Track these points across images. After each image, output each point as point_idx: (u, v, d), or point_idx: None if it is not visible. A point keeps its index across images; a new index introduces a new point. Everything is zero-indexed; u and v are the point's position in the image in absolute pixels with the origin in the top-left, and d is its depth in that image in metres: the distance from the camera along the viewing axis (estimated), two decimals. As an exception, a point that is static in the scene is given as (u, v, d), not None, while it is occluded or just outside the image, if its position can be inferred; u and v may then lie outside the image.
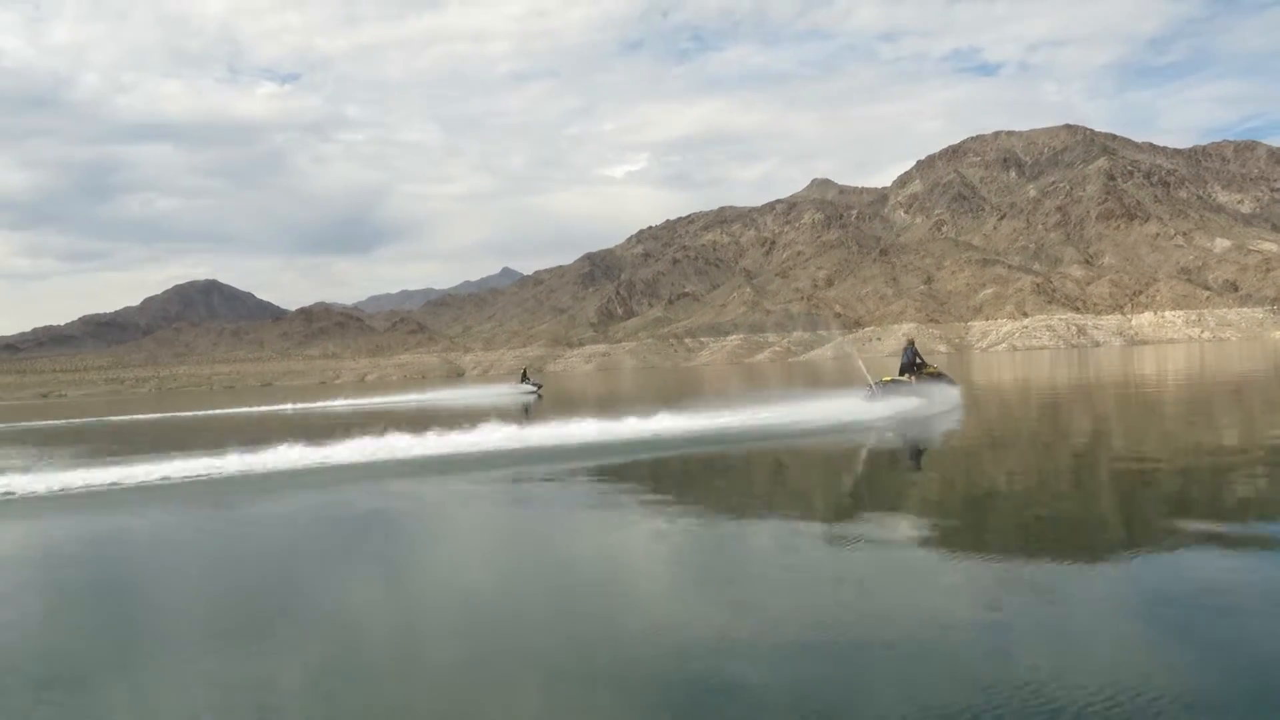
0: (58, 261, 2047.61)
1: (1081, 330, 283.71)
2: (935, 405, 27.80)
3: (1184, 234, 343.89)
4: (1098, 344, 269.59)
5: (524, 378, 77.09)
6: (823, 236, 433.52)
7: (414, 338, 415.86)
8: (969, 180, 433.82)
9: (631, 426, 24.74)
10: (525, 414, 43.57)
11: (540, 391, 73.25)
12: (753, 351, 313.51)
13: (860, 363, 33.22)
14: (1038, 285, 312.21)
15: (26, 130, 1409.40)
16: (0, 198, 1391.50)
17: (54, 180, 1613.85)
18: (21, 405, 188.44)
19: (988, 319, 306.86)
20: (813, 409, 27.18)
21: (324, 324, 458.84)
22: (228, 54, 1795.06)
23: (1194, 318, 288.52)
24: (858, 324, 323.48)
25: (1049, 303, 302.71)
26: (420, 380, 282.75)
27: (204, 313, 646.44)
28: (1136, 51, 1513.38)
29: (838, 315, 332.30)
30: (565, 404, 55.73)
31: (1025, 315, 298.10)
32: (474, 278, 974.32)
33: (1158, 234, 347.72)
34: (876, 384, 28.36)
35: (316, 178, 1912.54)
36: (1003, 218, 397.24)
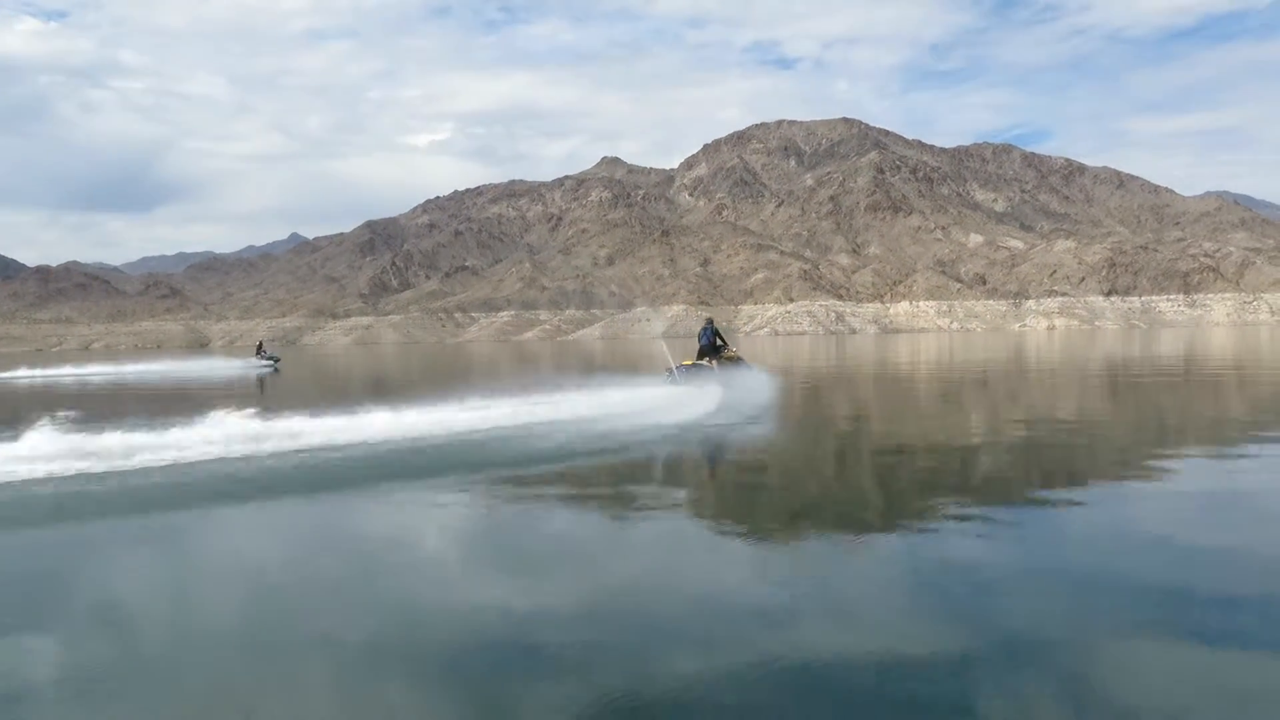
0: None
1: (840, 317, 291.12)
2: (748, 395, 24.37)
3: (943, 228, 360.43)
4: (854, 331, 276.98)
5: (259, 350, 70.83)
6: (609, 215, 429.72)
7: (164, 303, 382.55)
8: (751, 166, 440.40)
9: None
10: (260, 389, 41.86)
11: (278, 365, 68.71)
12: (522, 329, 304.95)
13: (664, 344, 30.77)
14: (805, 272, 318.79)
15: None
16: None
17: None
18: None
19: (757, 303, 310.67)
20: (603, 401, 22.08)
21: (63, 285, 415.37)
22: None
23: (945, 308, 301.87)
24: (631, 304, 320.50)
25: (815, 289, 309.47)
26: (154, 350, 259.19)
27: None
28: (920, 56, 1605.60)
29: (613, 294, 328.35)
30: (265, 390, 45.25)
31: (792, 300, 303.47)
32: (259, 243, 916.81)
33: (919, 227, 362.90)
34: (678, 368, 25.54)
35: (87, 127, 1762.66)
36: (780, 204, 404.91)
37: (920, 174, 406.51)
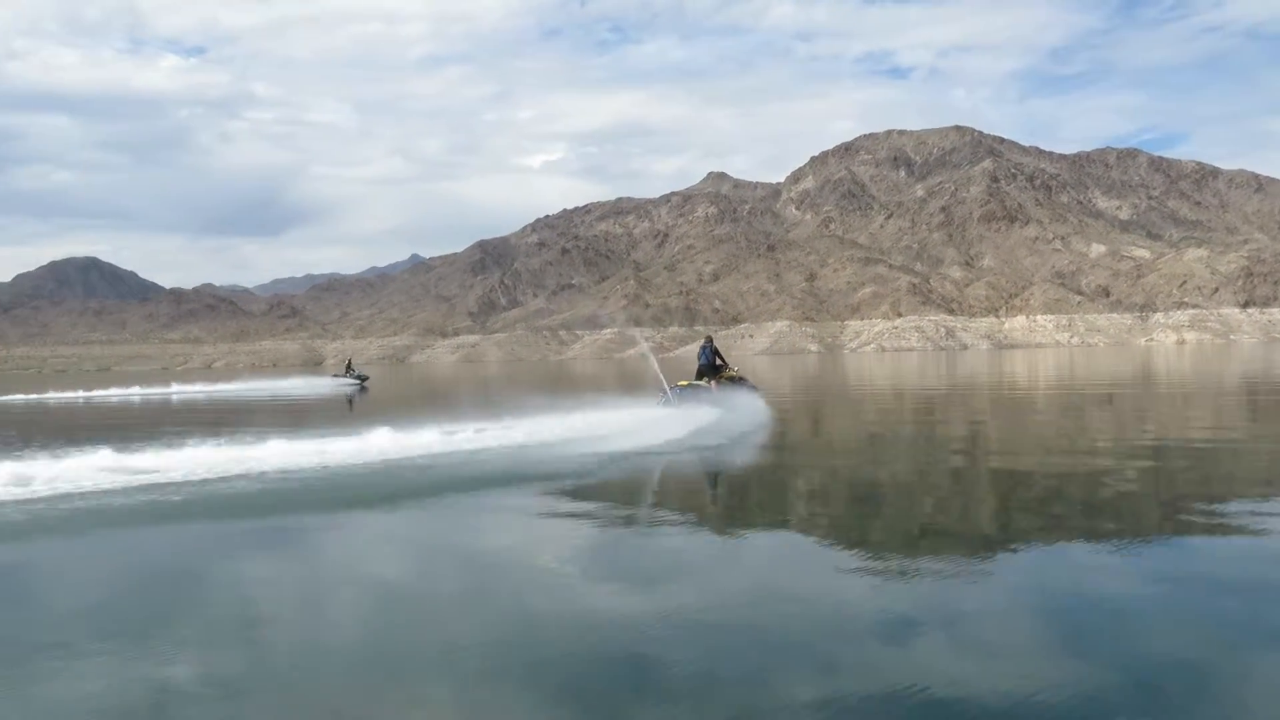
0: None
1: (950, 332, 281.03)
2: (738, 418, 22.98)
3: (1062, 238, 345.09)
4: (965, 347, 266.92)
5: (348, 369, 72.68)
6: (715, 230, 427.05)
7: (285, 323, 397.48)
8: (859, 178, 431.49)
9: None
10: (349, 406, 42.93)
11: (365, 384, 68.89)
12: (625, 346, 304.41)
13: (655, 364, 29.95)
14: (914, 285, 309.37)
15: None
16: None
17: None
18: None
19: (864, 319, 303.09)
20: (577, 424, 21.07)
21: (194, 306, 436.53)
22: (128, 24, 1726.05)
23: (1064, 322, 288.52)
24: (735, 320, 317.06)
25: (924, 303, 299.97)
26: (271, 368, 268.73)
27: (80, 291, 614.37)
28: (1040, 61, 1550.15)
29: (716, 311, 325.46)
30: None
31: (900, 315, 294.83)
32: (382, 263, 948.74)
33: (1036, 237, 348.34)
34: (673, 389, 25.03)
35: (223, 156, 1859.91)
36: (889, 216, 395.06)
37: (1038, 182, 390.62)
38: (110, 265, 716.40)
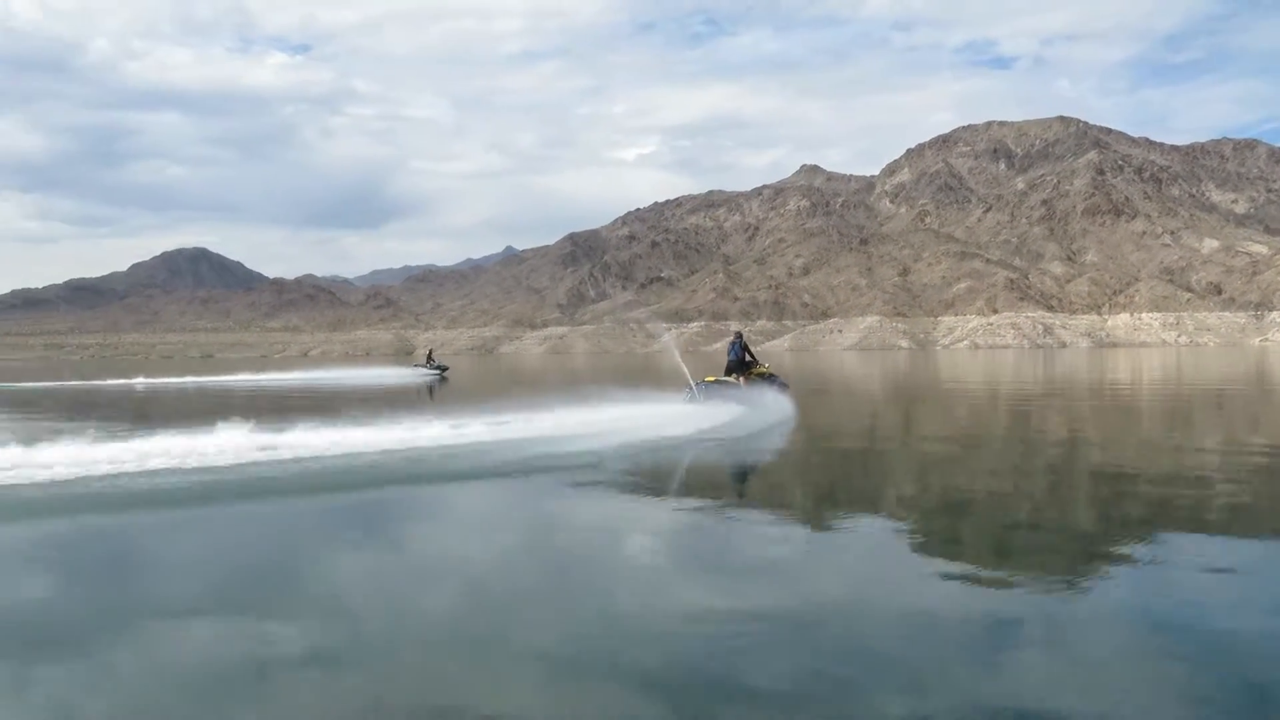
0: (66, 225, 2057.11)
1: (1048, 330, 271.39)
2: (762, 415, 22.98)
3: (1171, 233, 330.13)
4: (1064, 345, 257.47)
5: (429, 359, 75.89)
6: (806, 224, 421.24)
7: (380, 313, 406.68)
8: (956, 170, 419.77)
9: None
10: (430, 396, 44.85)
11: (445, 374, 70.82)
12: (711, 340, 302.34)
13: (679, 359, 30.25)
14: (1012, 281, 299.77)
15: (36, 93, 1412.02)
16: (10, 160, 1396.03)
17: (63, 144, 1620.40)
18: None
19: (958, 314, 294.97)
20: (583, 420, 21.04)
21: (294, 296, 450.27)
22: (238, 23, 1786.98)
23: (1172, 321, 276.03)
24: (824, 314, 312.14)
25: (1021, 299, 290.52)
26: (363, 357, 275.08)
27: (191, 281, 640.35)
28: (1153, 49, 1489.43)
29: (805, 305, 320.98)
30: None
31: (995, 312, 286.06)
32: (477, 255, 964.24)
33: (1144, 232, 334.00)
34: (699, 384, 24.88)
35: (326, 151, 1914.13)
36: (988, 210, 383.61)
37: (1146, 174, 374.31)
38: (219, 256, 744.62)
